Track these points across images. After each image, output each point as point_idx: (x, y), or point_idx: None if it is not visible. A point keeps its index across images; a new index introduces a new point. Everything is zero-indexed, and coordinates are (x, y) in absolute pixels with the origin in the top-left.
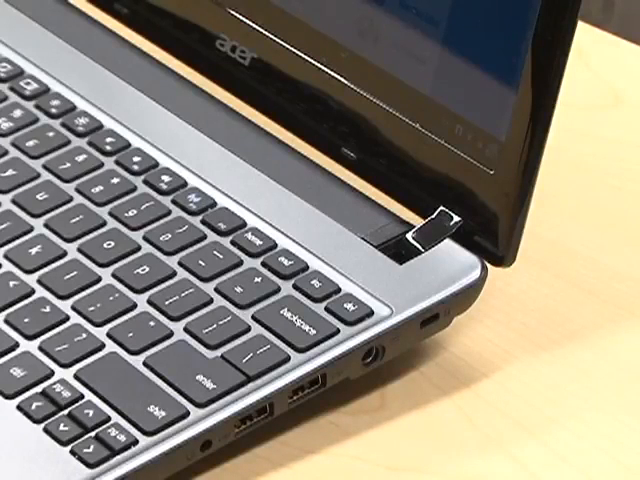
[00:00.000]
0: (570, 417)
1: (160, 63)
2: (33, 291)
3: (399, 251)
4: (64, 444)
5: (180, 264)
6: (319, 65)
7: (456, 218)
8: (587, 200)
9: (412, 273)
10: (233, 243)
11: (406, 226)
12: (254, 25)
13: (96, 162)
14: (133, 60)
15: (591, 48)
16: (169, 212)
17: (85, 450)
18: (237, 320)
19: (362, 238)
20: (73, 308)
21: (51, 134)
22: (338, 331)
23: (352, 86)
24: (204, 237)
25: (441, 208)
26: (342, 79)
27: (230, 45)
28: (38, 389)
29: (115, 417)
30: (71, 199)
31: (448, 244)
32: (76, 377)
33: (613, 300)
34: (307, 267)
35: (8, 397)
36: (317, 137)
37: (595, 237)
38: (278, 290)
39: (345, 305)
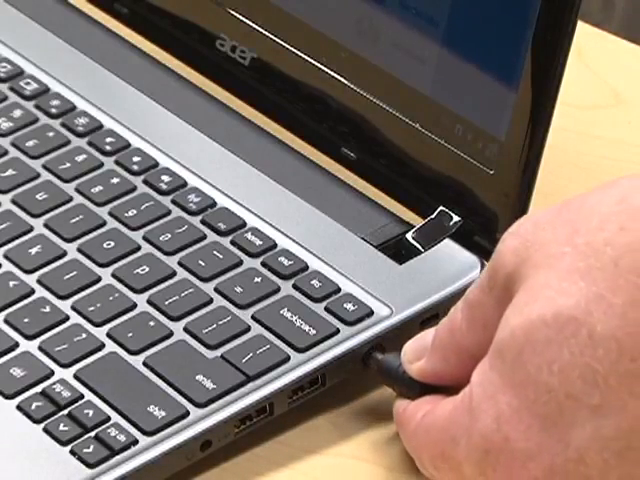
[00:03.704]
0: None
1: (160, 63)
2: (33, 291)
3: (399, 251)
4: (64, 444)
5: (180, 264)
6: (319, 65)
7: (456, 218)
8: None
9: (412, 273)
10: (233, 243)
11: (406, 226)
12: (254, 25)
13: (96, 162)
14: (133, 60)
15: (591, 48)
16: (169, 212)
17: (85, 450)
18: (237, 320)
19: (362, 238)
20: (73, 308)
21: (51, 134)
22: (338, 331)
23: (352, 86)
24: (204, 237)
25: (441, 208)
26: (342, 79)
27: (230, 45)
28: (38, 389)
29: (115, 417)
30: (71, 199)
31: (448, 244)
32: (76, 377)
33: None
34: (307, 267)
35: (8, 397)
36: (317, 137)
37: None
38: (278, 290)
39: (345, 305)
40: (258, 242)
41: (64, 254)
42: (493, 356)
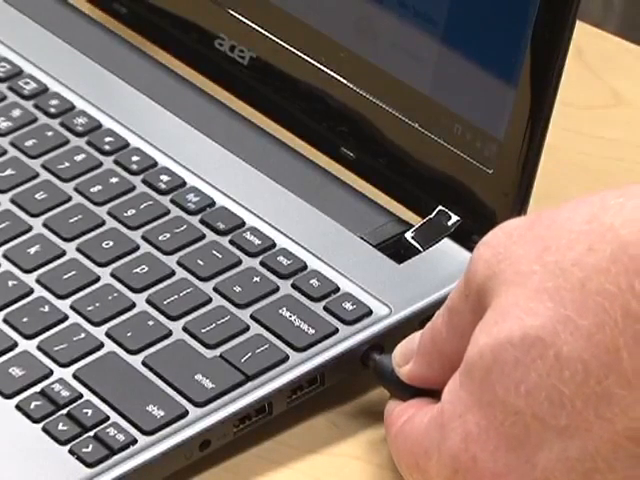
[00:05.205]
0: None
1: (159, 63)
2: (32, 290)
3: (398, 250)
4: (63, 443)
5: (179, 263)
6: (318, 64)
7: (455, 217)
8: None
9: (411, 272)
10: (232, 242)
11: (405, 225)
12: (253, 25)
13: (95, 161)
14: (132, 60)
15: (591, 48)
16: (168, 211)
17: (84, 450)
18: (236, 319)
19: (361, 237)
20: (72, 307)
21: (50, 133)
22: (337, 330)
23: (351, 85)
24: (203, 236)
25: (440, 207)
26: (341, 78)
27: (229, 45)
28: (37, 388)
29: (114, 417)
30: (70, 198)
31: (447, 243)
32: (75, 376)
33: None
34: (306, 266)
35: (7, 397)
36: (316, 136)
37: None
38: (277, 289)
39: (344, 304)
40: (257, 241)
41: (63, 254)
42: (463, 374)
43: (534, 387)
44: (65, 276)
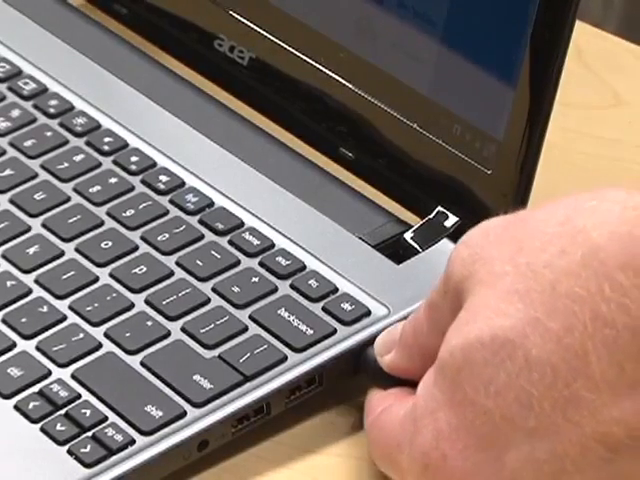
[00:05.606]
0: None
1: (159, 63)
2: (30, 291)
3: (397, 251)
4: (61, 444)
5: (177, 264)
6: (317, 65)
7: (454, 218)
8: None
9: (409, 273)
10: (230, 243)
11: (404, 226)
12: (252, 25)
13: (94, 162)
14: (131, 60)
15: (590, 48)
16: (167, 212)
17: (82, 450)
18: (234, 320)
19: (360, 238)
20: (70, 308)
21: (49, 134)
22: (335, 331)
23: (350, 86)
24: (202, 237)
25: (439, 208)
26: (340, 79)
27: (228, 45)
28: (35, 389)
29: (112, 417)
30: (69, 199)
31: (446, 244)
32: (73, 377)
33: None
34: (304, 267)
35: (5, 397)
36: (315, 137)
37: None
38: (275, 290)
39: (342, 305)
40: (256, 242)
41: (62, 254)
42: (436, 372)
43: (503, 387)
44: (64, 276)
